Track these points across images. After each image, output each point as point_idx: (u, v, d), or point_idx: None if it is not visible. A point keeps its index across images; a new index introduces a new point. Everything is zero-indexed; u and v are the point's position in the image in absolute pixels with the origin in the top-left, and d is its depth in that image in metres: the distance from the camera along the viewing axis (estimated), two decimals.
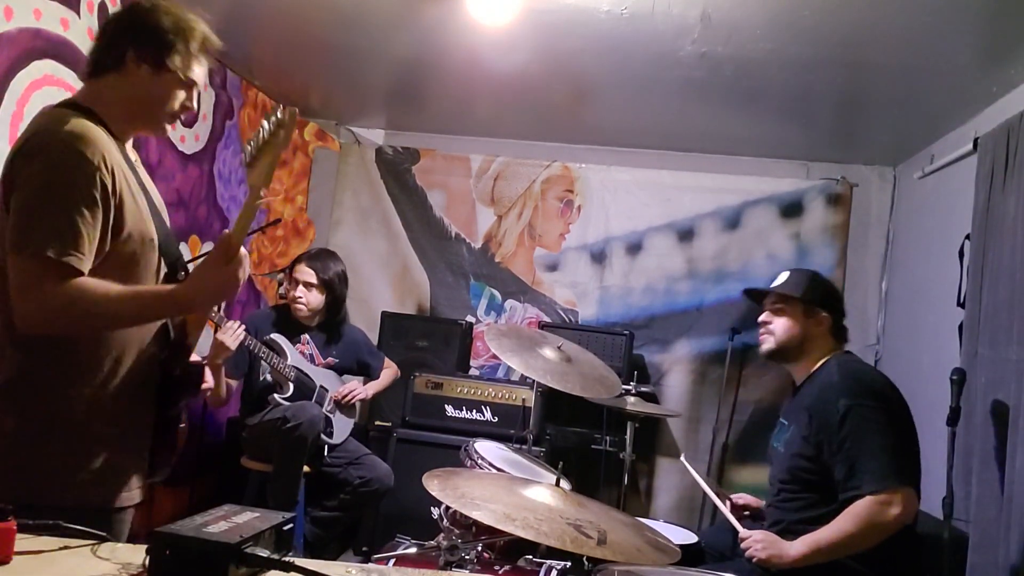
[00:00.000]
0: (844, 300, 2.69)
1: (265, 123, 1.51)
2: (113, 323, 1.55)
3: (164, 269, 1.67)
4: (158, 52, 1.61)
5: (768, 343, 2.57)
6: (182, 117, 1.74)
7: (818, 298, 2.56)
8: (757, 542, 2.34)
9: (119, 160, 1.57)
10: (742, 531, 2.42)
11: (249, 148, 1.53)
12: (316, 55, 3.83)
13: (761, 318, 2.61)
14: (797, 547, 2.28)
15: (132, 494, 1.62)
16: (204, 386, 1.82)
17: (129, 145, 1.71)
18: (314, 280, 3.57)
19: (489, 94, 4.12)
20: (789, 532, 2.36)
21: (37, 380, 1.53)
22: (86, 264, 1.47)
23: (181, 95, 1.67)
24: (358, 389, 3.74)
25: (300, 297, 3.57)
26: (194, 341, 1.72)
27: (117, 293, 1.49)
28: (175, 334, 1.69)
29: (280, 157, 1.54)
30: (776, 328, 2.55)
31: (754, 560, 2.32)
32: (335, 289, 3.63)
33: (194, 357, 1.79)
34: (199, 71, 1.68)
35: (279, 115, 1.50)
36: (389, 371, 3.98)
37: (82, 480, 1.53)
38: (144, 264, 1.61)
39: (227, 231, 1.57)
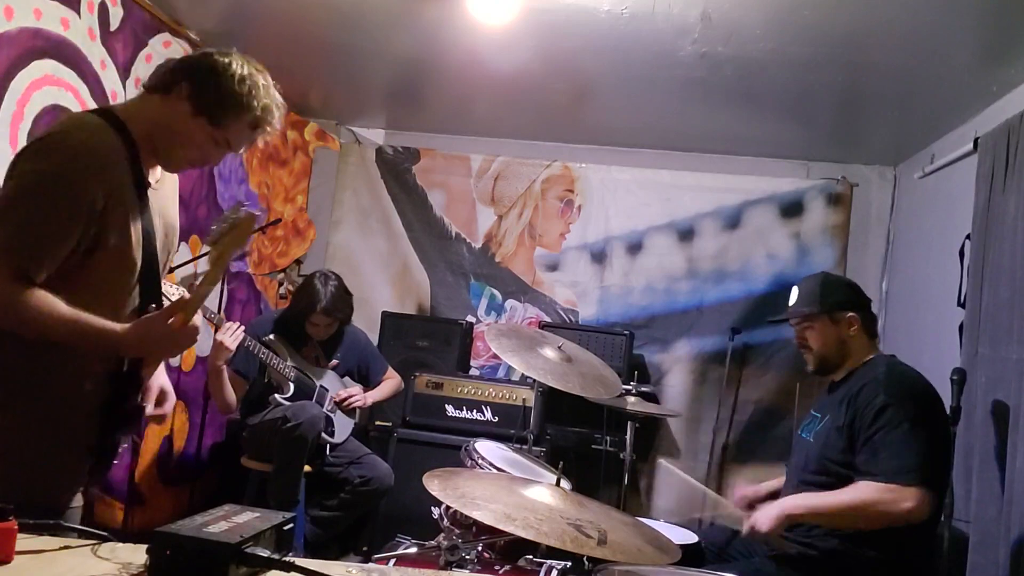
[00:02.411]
0: (859, 289, 2.63)
1: (230, 215, 1.52)
2: (46, 339, 1.51)
3: (137, 299, 1.64)
4: (210, 108, 1.60)
5: (811, 363, 2.57)
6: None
7: (838, 301, 2.53)
8: (758, 520, 2.30)
9: (122, 181, 1.55)
10: (745, 524, 2.37)
11: (215, 230, 1.54)
12: (316, 55, 3.83)
13: (796, 341, 2.62)
14: (792, 502, 2.31)
15: (74, 497, 1.63)
16: (158, 412, 1.79)
17: (159, 167, 1.69)
18: (331, 323, 3.64)
19: (489, 94, 4.12)
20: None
21: None
22: (42, 274, 1.48)
23: (208, 149, 1.66)
24: (358, 396, 3.73)
25: (322, 337, 3.65)
26: (148, 375, 1.71)
27: (60, 315, 1.48)
28: (128, 366, 1.65)
29: (238, 249, 1.55)
30: (812, 344, 2.54)
31: (763, 532, 2.28)
32: (346, 317, 3.71)
33: (159, 386, 1.77)
34: (241, 141, 1.67)
35: (241, 214, 1.51)
36: (392, 382, 3.97)
37: (28, 478, 1.52)
38: (116, 287, 1.60)
39: (184, 296, 1.55)
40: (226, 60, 1.63)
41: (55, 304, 1.48)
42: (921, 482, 2.21)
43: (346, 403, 3.68)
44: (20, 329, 1.50)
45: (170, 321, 1.51)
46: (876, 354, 2.51)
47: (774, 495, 2.64)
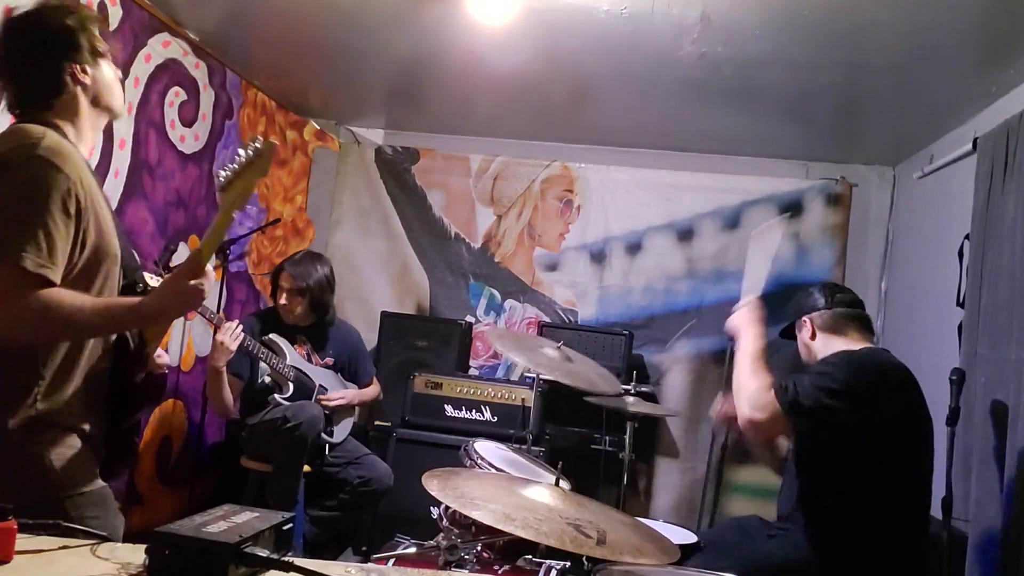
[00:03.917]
0: (827, 291, 2.61)
1: (242, 151, 1.52)
2: (83, 333, 1.57)
3: (121, 281, 1.69)
4: (90, 51, 1.65)
5: None
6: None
7: (795, 310, 2.61)
8: (741, 312, 2.56)
9: (90, 178, 1.60)
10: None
11: (224, 174, 1.53)
12: (316, 55, 3.83)
13: None
14: (746, 343, 2.47)
15: (88, 479, 1.62)
16: (163, 361, 1.81)
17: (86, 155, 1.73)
18: (294, 287, 3.56)
19: (489, 94, 4.12)
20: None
21: None
22: (58, 274, 1.50)
23: (109, 68, 1.72)
24: (341, 396, 3.67)
25: (285, 304, 3.57)
26: (152, 350, 1.75)
27: (89, 305, 1.53)
28: (134, 344, 1.71)
29: (256, 184, 1.56)
30: (801, 356, 2.63)
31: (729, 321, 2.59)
32: (315, 295, 3.59)
33: (166, 362, 1.81)
34: (100, 44, 1.71)
35: (259, 144, 1.52)
36: (374, 388, 3.96)
37: (35, 476, 1.53)
38: (106, 276, 1.63)
39: (197, 248, 1.59)
40: (40, 13, 1.65)
41: (82, 299, 1.53)
42: (787, 404, 2.23)
43: (332, 402, 3.61)
44: (55, 334, 1.53)
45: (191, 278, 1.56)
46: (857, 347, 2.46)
47: None
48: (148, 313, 1.61)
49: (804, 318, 2.55)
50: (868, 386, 2.27)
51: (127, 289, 1.71)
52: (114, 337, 1.68)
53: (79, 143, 1.66)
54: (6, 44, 1.65)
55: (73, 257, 1.55)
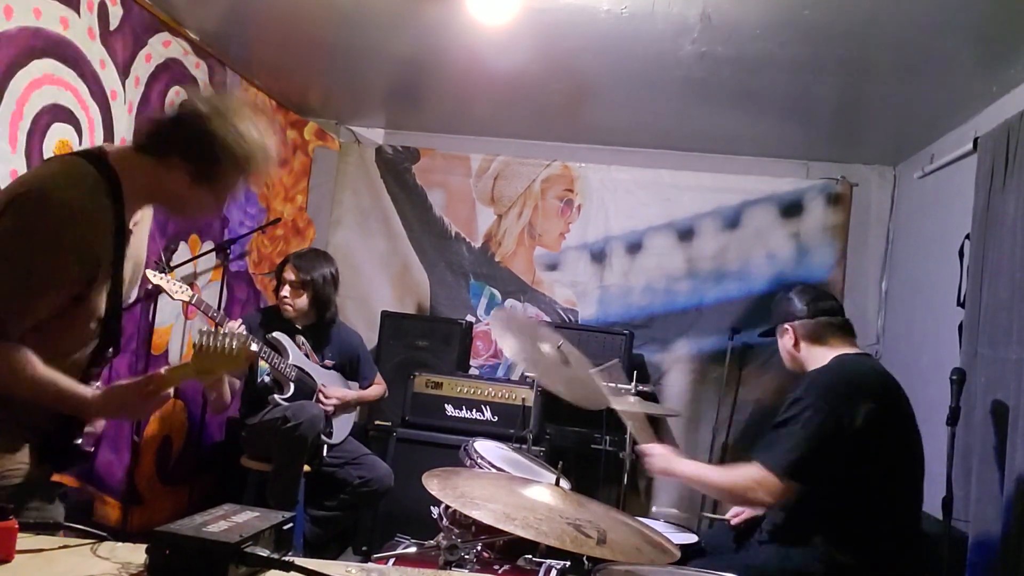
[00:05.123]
0: (807, 298, 2.58)
1: (233, 342, 1.48)
2: (20, 396, 1.53)
3: (97, 339, 1.65)
4: (208, 174, 1.60)
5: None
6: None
7: (777, 315, 2.61)
8: (654, 457, 2.51)
9: (105, 240, 1.55)
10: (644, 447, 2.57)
11: (203, 341, 1.48)
12: (316, 55, 3.83)
13: None
14: (685, 468, 2.51)
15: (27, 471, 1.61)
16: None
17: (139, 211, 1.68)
18: (297, 280, 3.55)
19: (489, 93, 4.12)
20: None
21: None
22: (20, 332, 1.48)
23: (214, 206, 1.69)
24: (340, 395, 3.67)
25: (286, 297, 3.56)
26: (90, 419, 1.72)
27: (38, 376, 1.49)
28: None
29: (222, 374, 1.55)
30: (785, 362, 2.64)
31: (648, 472, 2.53)
32: (318, 290, 3.58)
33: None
34: (239, 190, 1.68)
35: (239, 342, 1.48)
36: (378, 387, 3.96)
37: None
38: (80, 332, 1.60)
39: (162, 371, 1.56)
40: (215, 127, 1.57)
41: (33, 364, 1.49)
42: (783, 474, 2.22)
43: (330, 400, 3.61)
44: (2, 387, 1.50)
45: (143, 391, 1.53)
46: (835, 357, 2.44)
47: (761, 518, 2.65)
48: (89, 410, 1.59)
49: (785, 325, 2.56)
50: (837, 401, 2.27)
51: (99, 349, 1.65)
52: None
53: (134, 203, 1.61)
54: (183, 112, 1.61)
55: (46, 311, 1.51)
